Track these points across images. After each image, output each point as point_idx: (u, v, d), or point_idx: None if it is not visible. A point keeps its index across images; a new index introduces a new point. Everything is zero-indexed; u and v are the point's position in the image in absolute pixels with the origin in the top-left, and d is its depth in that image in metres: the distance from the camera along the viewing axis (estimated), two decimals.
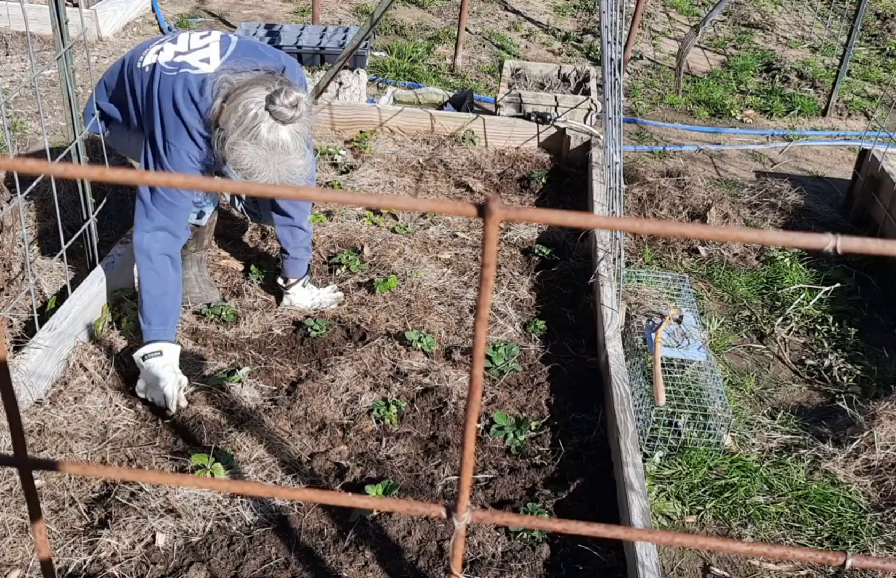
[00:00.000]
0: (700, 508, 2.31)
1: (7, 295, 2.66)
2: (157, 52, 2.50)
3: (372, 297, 2.94)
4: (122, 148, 2.76)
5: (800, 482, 2.41)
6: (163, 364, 2.40)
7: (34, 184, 2.61)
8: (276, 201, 2.75)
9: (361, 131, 4.20)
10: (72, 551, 1.94)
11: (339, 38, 4.91)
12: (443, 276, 3.11)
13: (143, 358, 2.42)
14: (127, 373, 2.51)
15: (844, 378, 2.91)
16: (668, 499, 2.32)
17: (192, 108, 2.39)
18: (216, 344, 2.66)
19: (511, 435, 2.37)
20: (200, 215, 2.72)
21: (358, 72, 4.56)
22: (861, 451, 2.50)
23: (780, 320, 3.18)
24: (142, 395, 2.42)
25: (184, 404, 2.42)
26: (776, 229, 3.78)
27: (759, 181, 4.29)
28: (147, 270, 2.45)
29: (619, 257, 2.87)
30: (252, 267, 3.06)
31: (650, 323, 2.81)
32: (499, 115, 4.25)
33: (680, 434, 2.48)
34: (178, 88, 2.39)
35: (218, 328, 2.74)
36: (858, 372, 2.93)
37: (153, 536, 1.99)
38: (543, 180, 3.89)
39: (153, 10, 6.02)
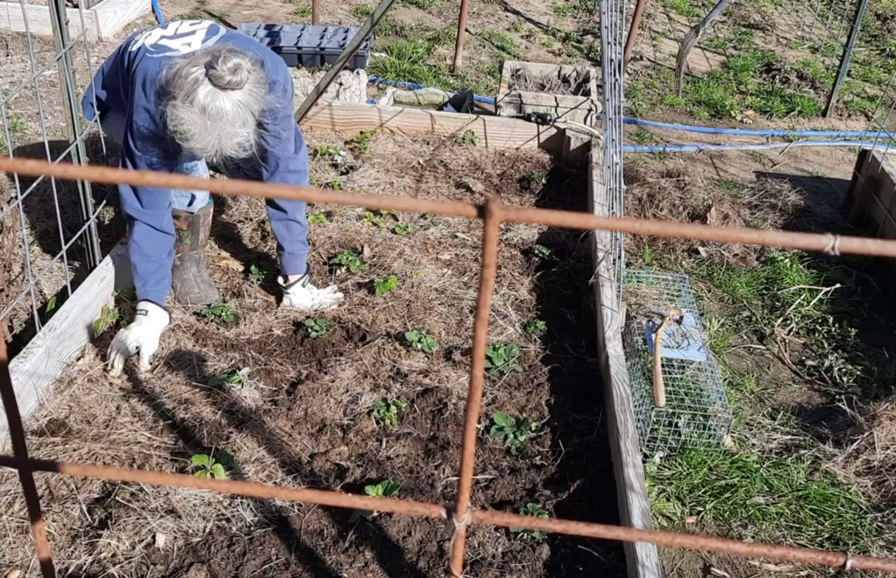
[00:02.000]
0: (700, 508, 2.31)
1: (7, 296, 2.66)
2: (147, 37, 2.54)
3: (372, 297, 2.94)
4: (116, 135, 2.77)
5: (800, 483, 2.41)
6: (137, 324, 2.55)
7: (34, 185, 2.61)
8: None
9: (361, 132, 4.20)
10: (72, 551, 1.94)
11: (340, 39, 4.91)
12: (443, 276, 3.11)
13: (136, 312, 2.58)
14: (128, 373, 2.51)
15: (844, 379, 2.91)
16: (668, 500, 2.32)
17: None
18: (216, 344, 2.66)
19: (511, 436, 2.37)
20: (191, 201, 2.73)
21: (358, 72, 4.56)
22: (861, 452, 2.50)
23: (780, 320, 3.18)
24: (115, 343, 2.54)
25: (145, 366, 2.52)
26: (776, 230, 3.78)
27: (759, 182, 4.29)
28: (145, 242, 2.56)
29: (620, 257, 2.87)
30: (252, 267, 3.06)
31: (650, 324, 2.81)
32: (499, 115, 4.26)
33: (680, 435, 2.48)
34: (150, 70, 2.42)
35: (218, 329, 2.74)
36: (858, 373, 2.93)
37: (153, 536, 1.99)
38: (543, 181, 3.89)
39: (153, 10, 6.03)
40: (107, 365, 2.51)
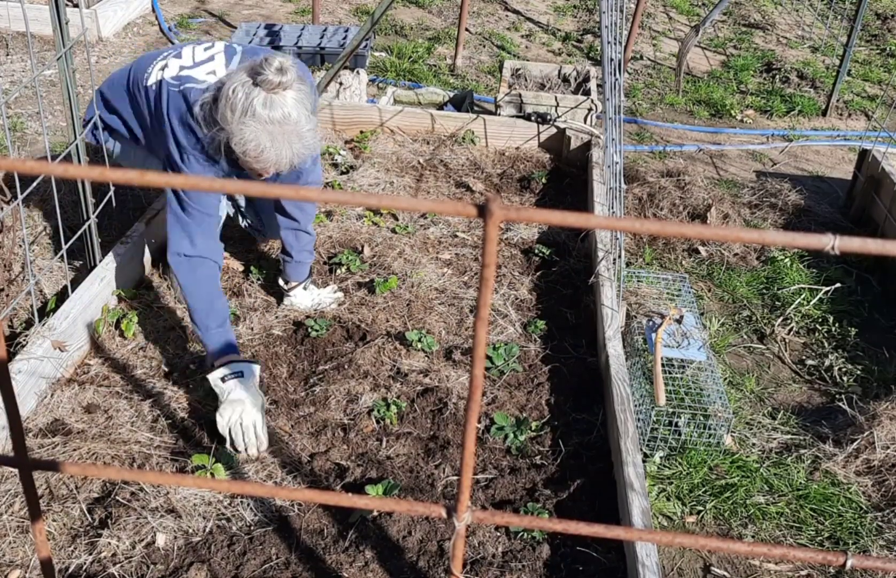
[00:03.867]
0: (700, 508, 2.31)
1: (7, 295, 2.66)
2: (162, 69, 2.44)
3: (372, 297, 2.94)
4: (128, 162, 2.75)
5: (800, 483, 2.41)
6: (235, 397, 2.22)
7: (34, 184, 2.61)
8: (280, 204, 2.74)
9: (361, 131, 4.20)
10: (72, 551, 1.94)
11: (340, 39, 4.91)
12: (443, 276, 3.11)
13: (223, 380, 2.25)
14: (127, 372, 2.52)
15: (845, 378, 2.91)
16: (668, 499, 2.32)
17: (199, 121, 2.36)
18: None
19: (511, 435, 2.37)
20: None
21: (358, 72, 4.56)
22: (861, 451, 2.50)
23: (780, 320, 3.18)
24: (224, 431, 2.20)
25: (264, 446, 2.23)
26: (776, 229, 3.78)
27: (759, 181, 4.29)
28: (191, 280, 2.37)
29: (620, 257, 2.87)
30: (252, 267, 3.05)
31: (650, 323, 2.81)
32: (499, 115, 4.25)
33: (680, 434, 2.48)
34: (184, 103, 2.35)
35: None
36: (859, 372, 2.93)
37: (153, 536, 1.99)
38: (543, 180, 3.89)
39: (153, 10, 6.02)
40: (241, 451, 2.23)
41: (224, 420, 2.20)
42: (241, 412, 2.20)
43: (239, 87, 2.16)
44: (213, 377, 2.27)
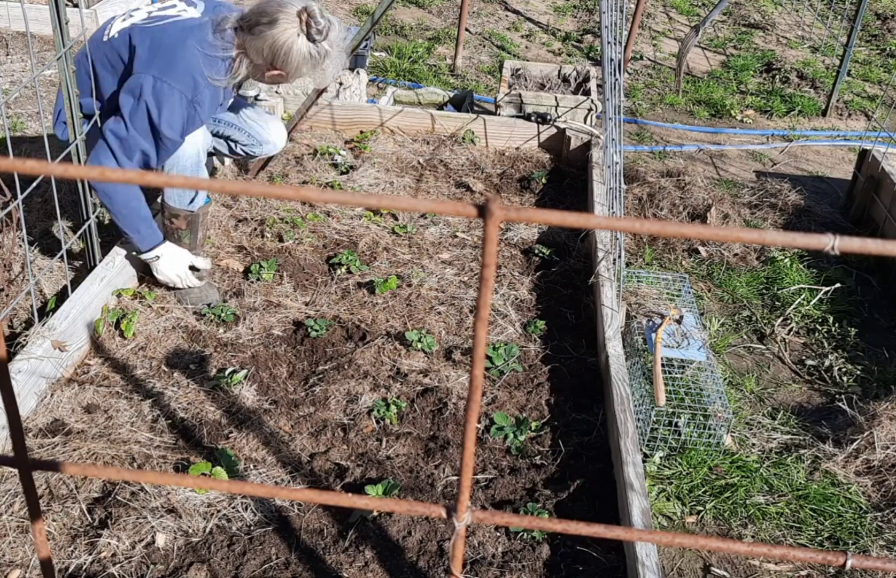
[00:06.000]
0: (700, 508, 2.31)
1: (7, 295, 2.66)
2: (125, 20, 2.60)
3: (372, 297, 2.94)
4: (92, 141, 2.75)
5: (800, 483, 2.41)
6: (172, 255, 2.72)
7: (34, 184, 2.60)
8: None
9: (361, 131, 4.20)
10: (72, 551, 1.94)
11: None
12: (443, 276, 3.11)
13: (156, 255, 2.73)
14: (127, 372, 2.52)
15: (844, 378, 2.91)
16: (668, 499, 2.32)
17: (191, 45, 2.50)
18: (216, 344, 2.66)
19: (511, 435, 2.37)
20: (192, 199, 2.74)
21: (358, 72, 4.56)
22: (861, 451, 2.50)
23: (780, 320, 3.18)
24: (170, 280, 2.76)
25: (207, 266, 2.82)
26: (776, 230, 3.78)
27: (759, 181, 4.29)
28: (117, 193, 2.58)
29: (620, 257, 2.87)
30: (252, 267, 3.05)
31: (650, 323, 2.81)
32: (499, 115, 4.25)
33: (680, 435, 2.48)
34: (169, 32, 2.51)
35: (218, 329, 2.74)
36: (858, 372, 2.93)
37: (153, 536, 1.99)
38: (543, 181, 3.89)
39: None
40: (189, 291, 2.79)
41: (167, 276, 2.74)
42: (179, 271, 2.75)
43: (294, 43, 2.47)
44: (147, 257, 2.72)
